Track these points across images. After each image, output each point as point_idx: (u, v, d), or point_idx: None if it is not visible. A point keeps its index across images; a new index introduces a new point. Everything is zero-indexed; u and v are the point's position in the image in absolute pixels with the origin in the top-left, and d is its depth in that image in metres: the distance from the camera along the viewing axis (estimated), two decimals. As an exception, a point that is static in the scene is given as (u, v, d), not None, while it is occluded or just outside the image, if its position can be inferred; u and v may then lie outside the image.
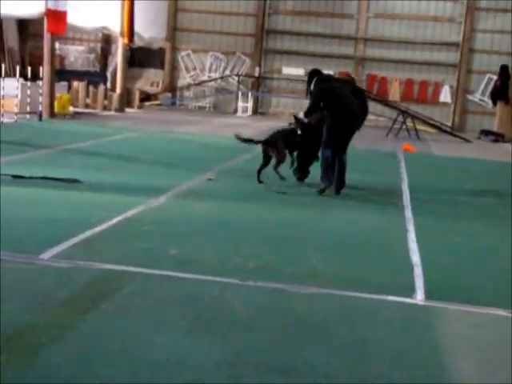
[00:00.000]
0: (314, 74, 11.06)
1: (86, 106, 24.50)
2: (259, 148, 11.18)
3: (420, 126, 24.12)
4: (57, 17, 19.42)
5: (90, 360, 4.06)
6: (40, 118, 18.83)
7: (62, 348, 4.20)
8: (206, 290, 5.50)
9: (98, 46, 30.27)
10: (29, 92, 18.90)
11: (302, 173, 11.34)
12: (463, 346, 4.75)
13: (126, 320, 4.73)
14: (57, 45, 23.44)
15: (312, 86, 10.83)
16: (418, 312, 5.39)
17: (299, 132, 11.01)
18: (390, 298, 5.62)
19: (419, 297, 5.70)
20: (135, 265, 5.98)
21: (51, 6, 19.23)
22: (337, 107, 10.47)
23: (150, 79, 30.34)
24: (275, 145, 10.85)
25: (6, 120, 17.03)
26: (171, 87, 29.89)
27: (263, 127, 22.85)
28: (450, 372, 4.27)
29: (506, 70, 25.60)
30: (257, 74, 28.90)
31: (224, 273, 5.95)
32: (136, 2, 23.61)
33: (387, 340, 4.72)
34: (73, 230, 7.00)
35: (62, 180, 9.63)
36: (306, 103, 30.79)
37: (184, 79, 29.81)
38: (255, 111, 28.60)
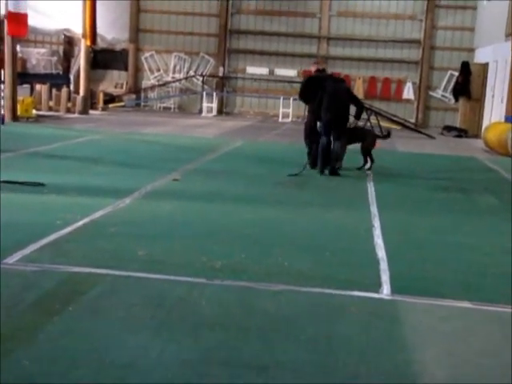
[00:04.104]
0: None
1: (50, 108, 24.31)
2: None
3: (384, 123, 24.30)
4: (18, 19, 19.24)
5: (57, 362, 4.04)
6: (2, 122, 18.62)
7: (28, 351, 4.17)
8: (173, 289, 5.50)
9: (61, 48, 30.02)
10: (-10, 96, 18.68)
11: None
12: (430, 338, 4.80)
13: (94, 322, 4.71)
14: (18, 47, 23.17)
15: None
16: (384, 306, 5.44)
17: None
18: (357, 293, 5.66)
19: (385, 291, 5.76)
20: (102, 267, 5.95)
21: (12, 8, 19.04)
22: None
23: (114, 81, 30.20)
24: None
25: (-33, 124, 16.82)
26: (135, 88, 29.77)
27: (228, 127, 22.89)
28: (416, 365, 4.32)
29: (467, 66, 25.93)
30: (221, 74, 28.91)
31: (191, 272, 5.95)
32: (98, 4, 23.47)
33: (354, 335, 4.76)
34: (38, 233, 6.95)
35: (25, 184, 9.56)
36: (270, 102, 30.70)
37: (148, 80, 29.72)
38: (220, 111, 28.61)
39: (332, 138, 12.73)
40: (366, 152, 13.61)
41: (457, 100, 26.67)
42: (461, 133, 24.68)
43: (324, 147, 12.67)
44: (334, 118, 12.64)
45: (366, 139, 13.73)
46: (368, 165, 13.57)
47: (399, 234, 8.13)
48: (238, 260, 6.48)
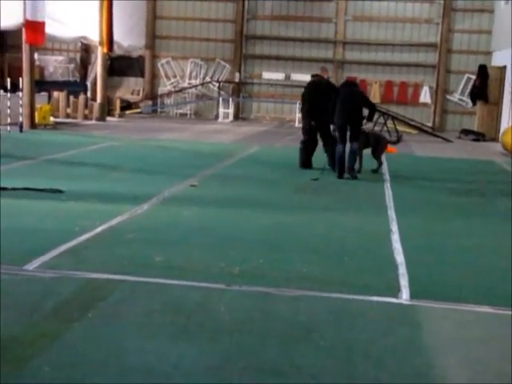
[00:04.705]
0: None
1: (67, 115, 24.44)
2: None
3: (401, 127, 24.25)
4: (35, 27, 19.37)
5: (77, 368, 4.05)
6: (21, 129, 18.76)
7: (48, 358, 4.19)
8: (191, 295, 5.50)
9: (78, 55, 30.21)
10: (9, 103, 18.83)
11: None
12: (449, 344, 4.78)
13: (113, 328, 4.72)
14: (36, 55, 23.34)
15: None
16: (403, 311, 5.42)
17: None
18: (375, 298, 5.65)
19: (404, 296, 5.74)
20: (121, 273, 5.98)
21: (30, 16, 19.18)
22: None
23: (131, 87, 30.32)
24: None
25: (-14, 132, 16.94)
26: (152, 95, 29.87)
27: (245, 132, 22.90)
28: (437, 371, 4.30)
29: (484, 69, 25.79)
30: (237, 80, 28.95)
31: (209, 278, 5.96)
32: (114, 11, 23.59)
33: (373, 340, 4.74)
34: (57, 239, 6.98)
35: (44, 190, 9.61)
36: (286, 107, 30.61)
37: (164, 87, 29.80)
38: (236, 117, 28.63)
39: (346, 142, 12.83)
40: (379, 156, 13.70)
41: (474, 103, 26.53)
42: (478, 136, 24.54)
43: (340, 152, 12.69)
44: (347, 122, 12.73)
45: (379, 145, 13.84)
46: (375, 167, 13.71)
47: (417, 238, 8.09)
48: (256, 265, 6.48)
